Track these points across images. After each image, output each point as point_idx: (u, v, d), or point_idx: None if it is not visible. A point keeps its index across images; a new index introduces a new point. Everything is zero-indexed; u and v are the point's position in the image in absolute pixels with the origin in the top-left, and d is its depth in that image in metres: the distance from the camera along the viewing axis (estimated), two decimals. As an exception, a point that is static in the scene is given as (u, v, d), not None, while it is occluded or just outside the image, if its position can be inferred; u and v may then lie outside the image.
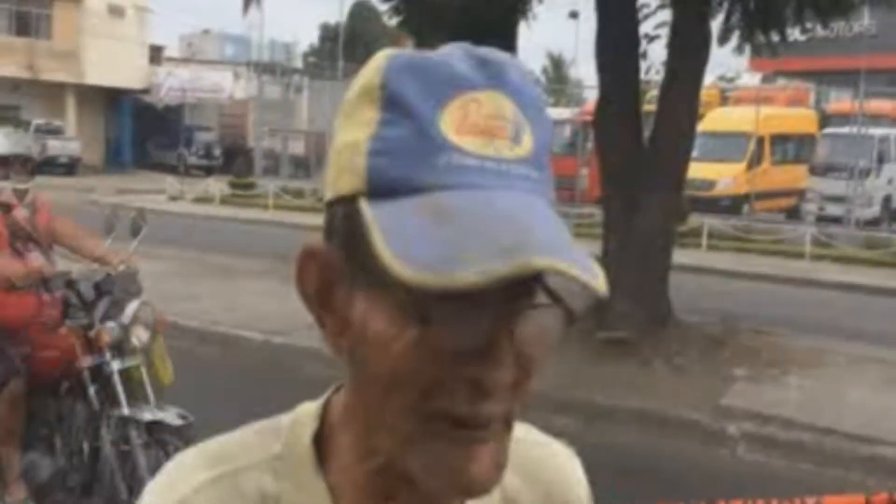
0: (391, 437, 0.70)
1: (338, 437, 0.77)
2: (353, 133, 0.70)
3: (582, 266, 0.63)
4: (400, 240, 0.63)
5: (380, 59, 0.71)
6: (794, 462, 6.19)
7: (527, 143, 0.69)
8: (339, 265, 0.71)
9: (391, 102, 0.69)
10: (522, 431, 0.89)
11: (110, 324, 4.30)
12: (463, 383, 0.67)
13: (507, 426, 0.72)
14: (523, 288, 0.67)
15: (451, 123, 0.68)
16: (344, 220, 0.70)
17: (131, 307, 4.34)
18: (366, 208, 0.67)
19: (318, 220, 0.77)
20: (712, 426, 6.57)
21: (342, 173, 0.70)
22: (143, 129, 38.53)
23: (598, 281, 0.64)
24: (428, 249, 0.62)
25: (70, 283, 4.37)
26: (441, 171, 0.67)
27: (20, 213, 4.68)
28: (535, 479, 0.88)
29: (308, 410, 0.80)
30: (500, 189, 0.67)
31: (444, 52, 0.71)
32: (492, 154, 0.68)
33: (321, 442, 0.78)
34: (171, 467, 0.80)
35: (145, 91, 38.71)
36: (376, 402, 0.70)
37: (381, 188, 0.68)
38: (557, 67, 56.71)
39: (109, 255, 4.69)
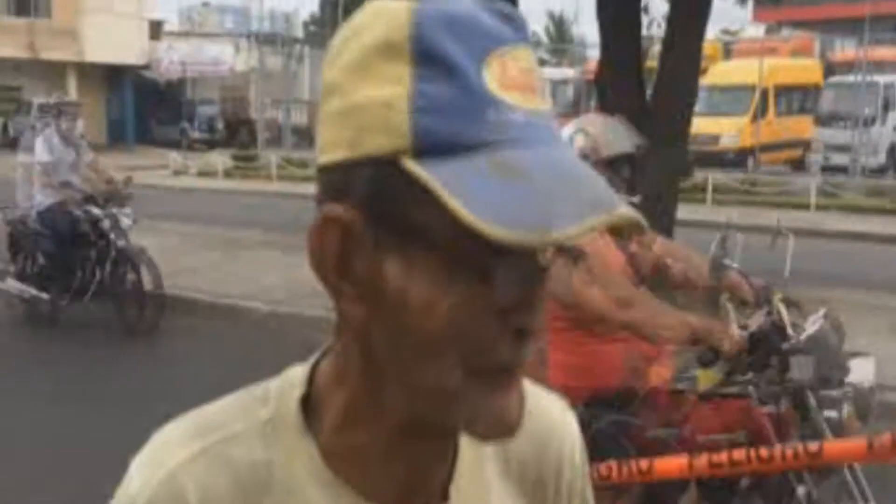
0: (429, 395, 0.71)
1: (328, 399, 0.77)
2: (377, 89, 0.68)
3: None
4: (477, 200, 0.63)
5: (400, 10, 0.68)
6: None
7: (548, 96, 0.71)
8: (360, 229, 0.69)
9: (428, 57, 0.67)
10: None
11: (833, 392, 2.92)
12: (510, 334, 0.69)
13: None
14: None
15: (493, 78, 0.67)
16: (373, 181, 0.68)
17: (866, 366, 3.05)
18: (418, 169, 0.65)
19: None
20: (719, 379, 6.58)
21: (367, 132, 0.68)
22: (144, 106, 38.41)
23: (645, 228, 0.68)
24: (515, 208, 0.62)
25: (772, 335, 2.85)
26: (492, 127, 0.66)
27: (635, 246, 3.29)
28: (528, 429, 0.86)
29: (296, 375, 0.80)
30: (550, 143, 0.68)
31: (464, 4, 0.69)
32: (532, 108, 0.68)
33: (310, 406, 0.78)
34: (157, 440, 0.78)
35: (146, 67, 38.54)
36: (413, 363, 0.70)
37: (430, 147, 0.66)
38: (559, 27, 56.23)
39: (742, 285, 3.19)
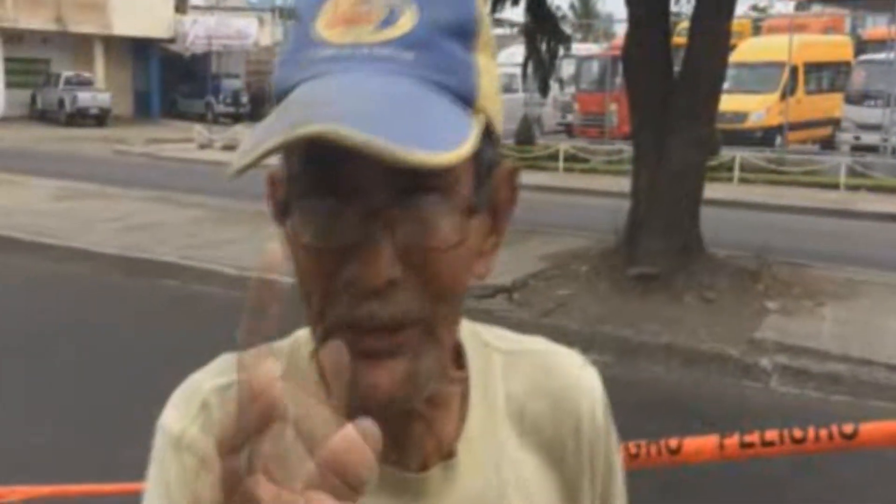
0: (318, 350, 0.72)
1: None
2: None
3: (393, 135, 0.58)
4: (244, 143, 0.64)
5: None
6: (829, 394, 6.15)
7: (403, 24, 0.68)
8: (283, 184, 0.72)
9: (292, 13, 0.73)
10: (533, 343, 0.90)
11: None
12: (342, 285, 0.67)
13: (429, 337, 0.70)
14: (402, 181, 0.65)
15: (323, 19, 0.69)
16: None
17: None
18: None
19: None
20: (745, 360, 6.54)
21: None
22: (170, 79, 38.53)
23: (413, 153, 0.58)
24: (249, 141, 0.63)
25: None
26: (304, 67, 0.68)
27: None
28: (542, 387, 0.87)
29: (303, 334, 0.82)
30: (341, 73, 0.66)
31: None
32: (350, 41, 0.67)
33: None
34: (187, 381, 0.83)
35: (171, 40, 38.62)
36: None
37: (279, 97, 0.69)
38: (585, 2, 55.80)
39: None
